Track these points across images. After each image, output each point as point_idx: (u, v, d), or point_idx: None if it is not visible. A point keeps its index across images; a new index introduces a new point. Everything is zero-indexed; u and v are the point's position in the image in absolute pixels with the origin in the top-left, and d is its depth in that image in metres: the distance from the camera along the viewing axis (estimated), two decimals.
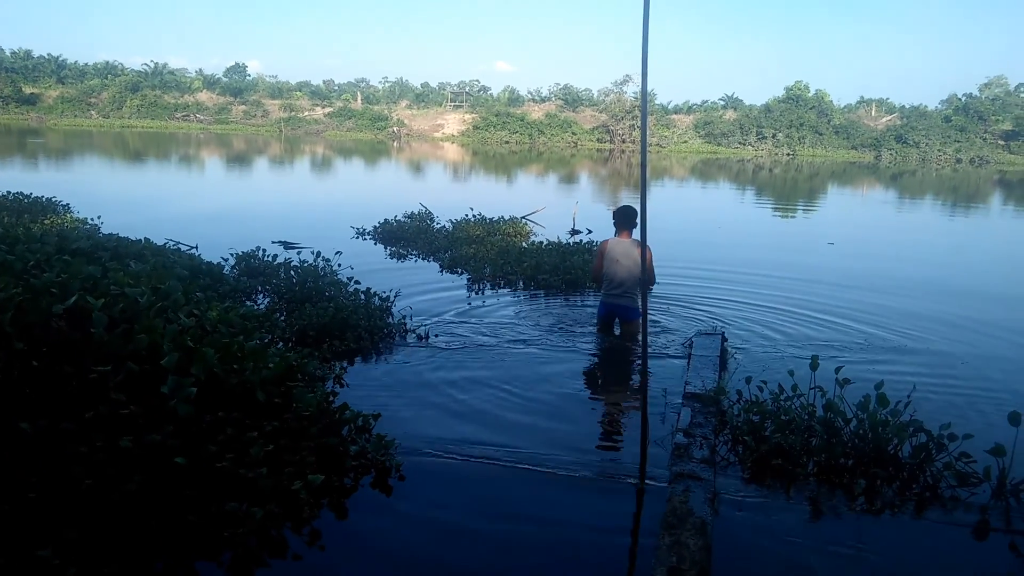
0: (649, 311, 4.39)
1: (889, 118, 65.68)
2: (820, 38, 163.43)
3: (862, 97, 72.74)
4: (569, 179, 30.52)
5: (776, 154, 57.39)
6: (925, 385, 5.48)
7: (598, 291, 6.96)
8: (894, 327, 7.39)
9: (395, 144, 53.80)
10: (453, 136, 61.81)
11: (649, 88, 3.85)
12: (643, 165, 4.06)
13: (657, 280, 7.05)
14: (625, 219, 6.60)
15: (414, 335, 6.47)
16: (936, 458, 4.00)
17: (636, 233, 6.68)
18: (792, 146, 59.10)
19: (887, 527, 3.63)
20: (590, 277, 8.09)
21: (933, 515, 3.74)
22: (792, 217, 20.06)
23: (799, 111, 61.03)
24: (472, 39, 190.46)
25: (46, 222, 10.40)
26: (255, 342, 4.35)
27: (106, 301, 3.97)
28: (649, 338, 4.66)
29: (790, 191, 29.08)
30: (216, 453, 3.33)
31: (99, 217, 10.98)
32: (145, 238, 8.46)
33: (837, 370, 4.43)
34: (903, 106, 68.27)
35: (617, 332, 6.74)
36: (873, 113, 68.90)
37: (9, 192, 12.51)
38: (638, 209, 6.65)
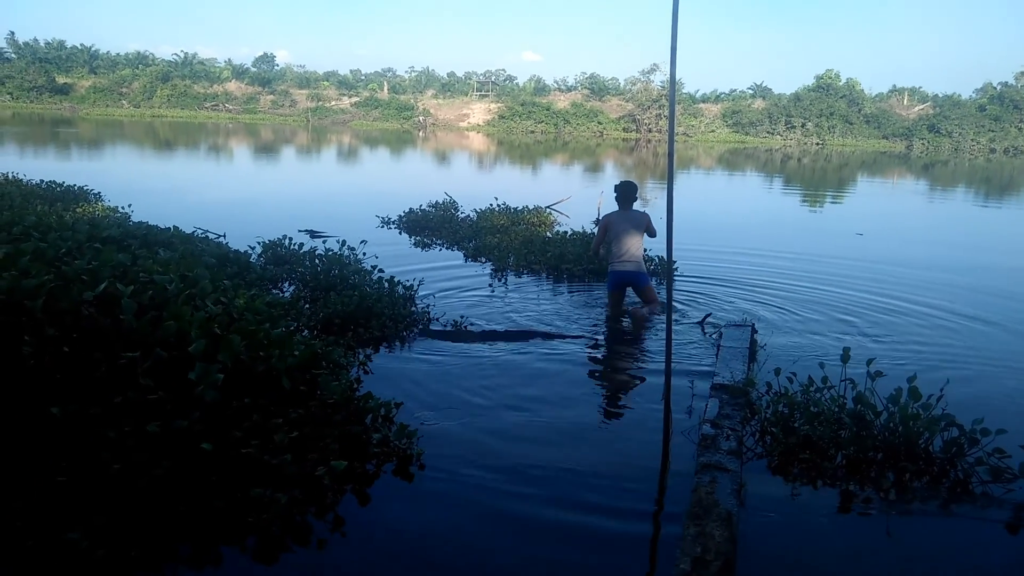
0: (675, 302, 4.34)
1: (922, 107, 64.35)
2: (852, 26, 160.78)
3: (894, 86, 71.44)
4: (594, 169, 30.33)
5: (805, 143, 56.58)
6: (961, 378, 5.35)
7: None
8: (931, 318, 7.25)
9: (420, 133, 53.86)
10: (478, 126, 61.71)
11: (677, 77, 3.79)
12: (670, 154, 4.01)
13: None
14: (627, 194, 6.83)
15: (438, 323, 6.47)
16: (968, 453, 3.92)
17: (636, 206, 6.87)
18: (821, 135, 58.24)
19: (915, 522, 3.56)
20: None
21: (963, 511, 3.66)
22: (821, 207, 19.77)
23: (829, 100, 60.07)
24: (499, 29, 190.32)
25: (78, 210, 10.54)
26: (281, 330, 4.37)
27: (135, 288, 4.02)
28: (675, 329, 4.62)
29: (819, 180, 28.65)
30: (242, 439, 3.36)
31: (129, 205, 11.15)
32: (174, 226, 8.55)
33: (869, 362, 4.35)
34: (936, 95, 66.85)
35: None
36: (905, 102, 67.51)
37: (42, 180, 12.77)
38: (638, 185, 6.86)
